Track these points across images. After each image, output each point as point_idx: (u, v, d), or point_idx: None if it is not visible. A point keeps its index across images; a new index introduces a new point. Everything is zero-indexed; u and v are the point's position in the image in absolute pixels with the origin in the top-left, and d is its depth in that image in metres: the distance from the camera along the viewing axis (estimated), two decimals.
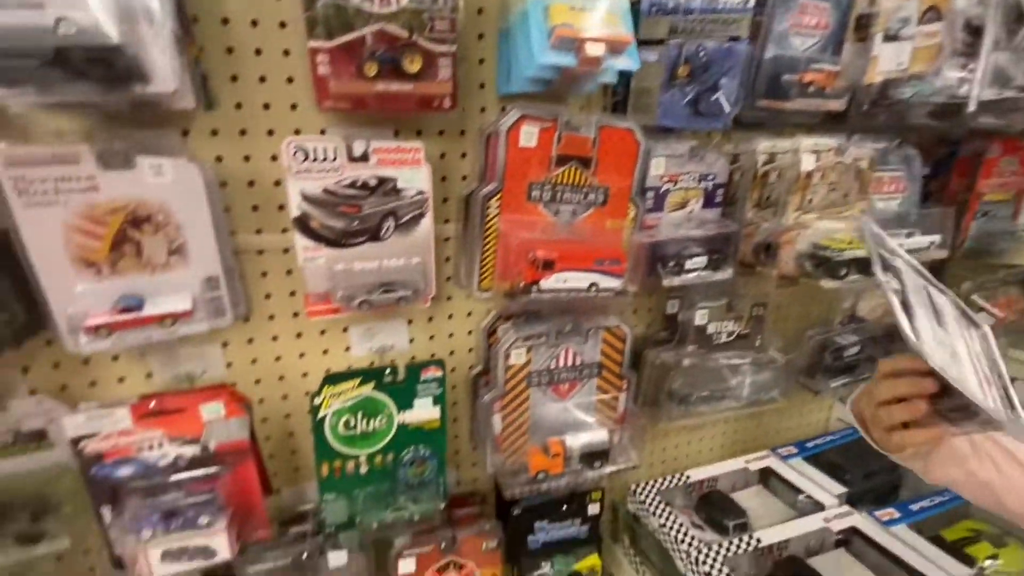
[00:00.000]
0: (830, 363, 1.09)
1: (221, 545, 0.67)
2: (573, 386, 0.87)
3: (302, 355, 0.82)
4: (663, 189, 0.84)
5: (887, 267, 0.58)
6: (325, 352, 0.83)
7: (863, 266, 0.84)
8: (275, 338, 0.80)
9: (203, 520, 0.65)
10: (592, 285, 0.76)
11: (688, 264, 0.84)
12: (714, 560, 0.83)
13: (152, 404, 0.64)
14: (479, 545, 0.86)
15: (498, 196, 0.72)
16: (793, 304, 1.17)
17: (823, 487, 1.02)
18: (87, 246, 0.58)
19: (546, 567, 0.95)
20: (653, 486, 1.01)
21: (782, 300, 1.13)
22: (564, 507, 0.94)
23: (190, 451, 0.67)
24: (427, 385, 0.76)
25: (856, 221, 0.87)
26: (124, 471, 0.65)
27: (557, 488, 0.87)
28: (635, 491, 1.01)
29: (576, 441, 0.86)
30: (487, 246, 0.74)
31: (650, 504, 0.96)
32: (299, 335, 0.81)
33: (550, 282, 0.73)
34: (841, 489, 1.01)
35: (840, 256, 0.82)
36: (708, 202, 0.88)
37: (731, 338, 0.98)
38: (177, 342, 0.74)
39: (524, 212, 0.74)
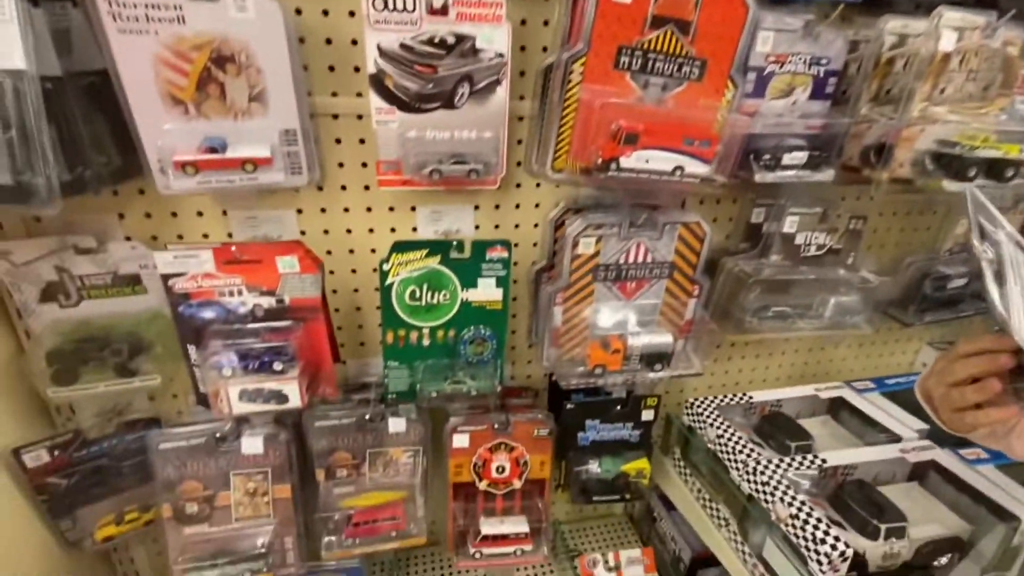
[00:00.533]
0: (929, 293, 0.99)
1: (293, 392, 0.71)
2: (640, 285, 0.84)
3: (371, 230, 0.83)
4: (767, 71, 0.75)
5: (985, 236, 0.59)
6: (393, 230, 0.84)
7: (996, 170, 0.73)
8: (346, 210, 0.80)
9: (278, 366, 0.69)
10: (677, 168, 0.70)
11: (786, 159, 0.76)
12: (773, 473, 0.80)
13: (233, 249, 0.66)
14: (531, 431, 0.87)
15: (582, 60, 0.66)
16: (897, 223, 1.05)
17: (902, 422, 0.95)
18: (175, 82, 0.59)
19: (593, 464, 0.96)
20: (712, 402, 0.98)
21: (885, 215, 1.02)
22: (617, 408, 0.93)
23: (266, 302, 0.70)
24: (492, 265, 0.75)
25: (994, 119, 0.75)
26: (208, 313, 0.69)
27: (614, 385, 0.85)
28: (692, 404, 0.98)
29: (638, 340, 0.83)
30: (565, 118, 0.70)
31: (708, 416, 0.93)
32: (369, 209, 0.81)
33: (631, 160, 0.68)
34: (922, 426, 0.93)
35: (971, 154, 0.71)
36: (817, 92, 0.78)
37: (821, 252, 0.89)
38: (255, 202, 0.76)
39: (610, 81, 0.68)
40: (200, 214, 0.76)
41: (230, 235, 0.78)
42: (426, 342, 0.78)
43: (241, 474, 0.77)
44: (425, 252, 0.72)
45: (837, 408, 1.05)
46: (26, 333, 0.77)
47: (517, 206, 0.86)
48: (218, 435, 0.75)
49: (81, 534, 0.83)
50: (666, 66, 0.68)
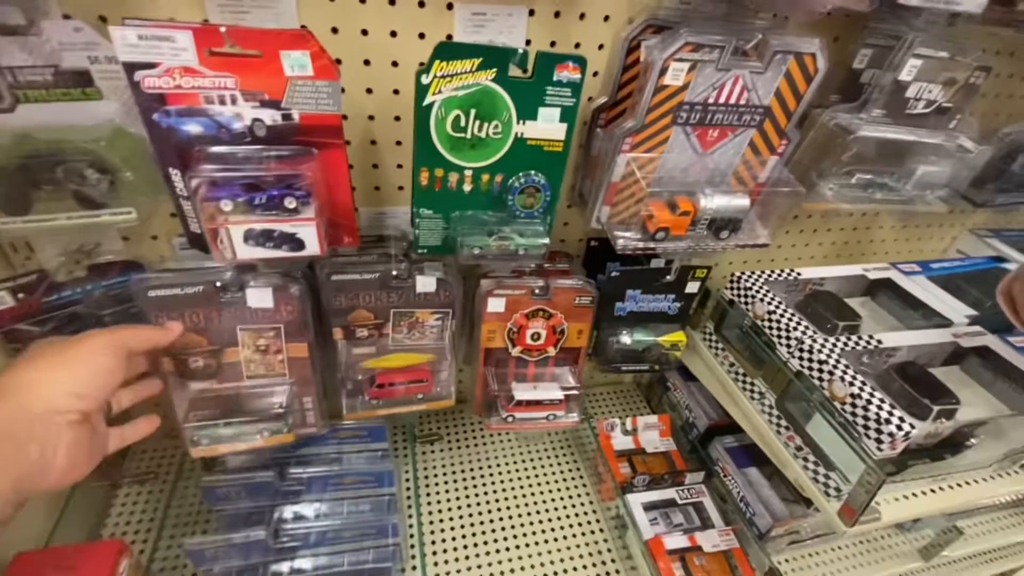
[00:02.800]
0: (1017, 171, 0.88)
1: (310, 237, 0.58)
2: (723, 135, 0.70)
3: (393, 34, 0.63)
4: None
5: None
6: (422, 36, 0.65)
7: None
8: (363, 1, 0.60)
9: (290, 203, 0.55)
10: None
11: None
12: (831, 351, 0.76)
13: (223, 31, 0.48)
14: (571, 299, 0.78)
15: None
16: (1018, 87, 0.91)
17: (951, 306, 0.90)
18: None
19: (625, 336, 0.90)
20: (760, 276, 0.90)
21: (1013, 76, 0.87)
22: (664, 279, 0.85)
23: (269, 116, 0.54)
24: (559, 91, 0.59)
25: None
26: (192, 126, 0.52)
27: (674, 251, 0.75)
28: (737, 278, 0.90)
29: (711, 203, 0.71)
30: None
31: (757, 291, 0.86)
32: (392, 2, 0.61)
33: None
34: (971, 312, 0.89)
35: None
36: None
37: (927, 110, 0.76)
38: None
39: None
40: None
41: (205, 20, 0.58)
42: (467, 187, 0.64)
43: (249, 330, 0.66)
44: (478, 62, 0.55)
45: (876, 290, 1.00)
46: None
47: (582, 16, 0.67)
48: (218, 284, 0.63)
49: None
50: None
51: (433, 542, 0.92)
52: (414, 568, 0.85)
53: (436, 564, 0.89)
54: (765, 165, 0.74)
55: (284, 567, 0.74)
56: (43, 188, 0.60)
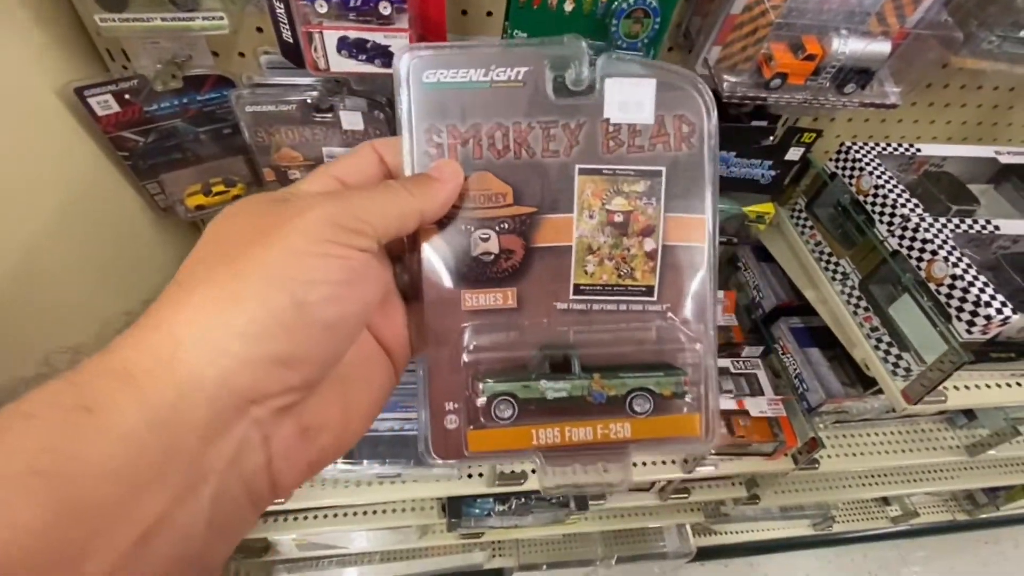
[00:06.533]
0: None
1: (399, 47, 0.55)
2: None
3: None
4: None
5: None
6: None
7: None
8: None
9: (384, 8, 0.51)
10: None
11: None
12: (939, 232, 0.70)
13: None
14: None
15: None
16: None
17: None
18: None
19: None
20: (873, 148, 0.82)
21: None
22: (764, 140, 0.78)
23: None
24: None
25: None
26: None
27: (787, 103, 0.68)
28: (846, 148, 0.82)
29: (845, 46, 0.62)
30: None
31: (867, 164, 0.78)
32: None
33: None
34: None
35: None
36: None
37: None
38: None
39: None
40: None
41: None
42: (568, 6, 0.58)
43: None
44: None
45: (1005, 177, 0.89)
46: None
47: None
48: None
49: (171, 200, 0.79)
50: None
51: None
52: None
53: None
54: (919, 4, 0.63)
55: None
56: None
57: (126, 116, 0.68)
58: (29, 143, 0.61)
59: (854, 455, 1.01)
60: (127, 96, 0.66)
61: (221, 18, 0.61)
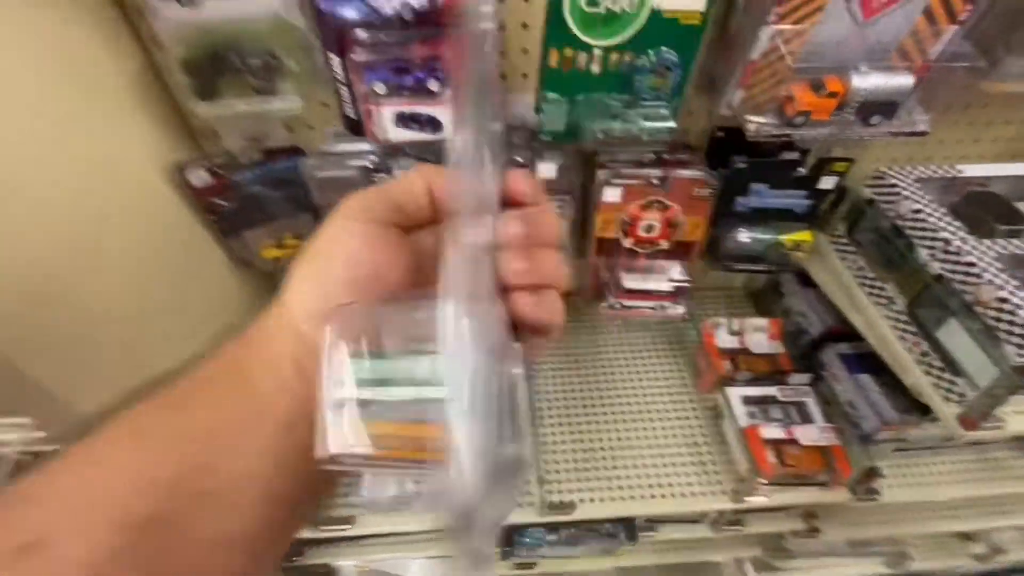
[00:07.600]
0: None
1: (446, 118, 0.62)
2: (892, 1, 0.61)
3: None
4: None
5: None
6: None
7: None
8: None
9: (433, 85, 0.59)
10: None
11: None
12: (983, 255, 0.69)
13: None
14: (690, 190, 0.78)
15: None
16: None
17: None
18: None
19: (743, 233, 0.88)
20: (911, 173, 0.82)
21: None
22: (795, 172, 0.80)
23: (417, 1, 0.57)
24: None
25: None
26: (348, 11, 0.57)
27: (813, 139, 0.71)
28: (882, 174, 0.83)
29: (865, 82, 0.65)
30: None
31: (906, 189, 0.79)
32: None
33: None
34: None
35: None
36: None
37: None
38: None
39: None
40: None
41: None
42: (596, 68, 0.64)
43: None
44: None
45: None
46: (152, 41, 0.70)
47: None
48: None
49: (250, 254, 0.90)
50: None
51: (540, 415, 1.04)
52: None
53: (544, 430, 1.01)
54: (939, 37, 0.65)
55: None
56: (225, 76, 0.70)
57: (217, 187, 0.79)
58: (139, 207, 0.72)
59: (919, 485, 0.97)
60: (218, 170, 0.77)
61: (295, 99, 0.71)
